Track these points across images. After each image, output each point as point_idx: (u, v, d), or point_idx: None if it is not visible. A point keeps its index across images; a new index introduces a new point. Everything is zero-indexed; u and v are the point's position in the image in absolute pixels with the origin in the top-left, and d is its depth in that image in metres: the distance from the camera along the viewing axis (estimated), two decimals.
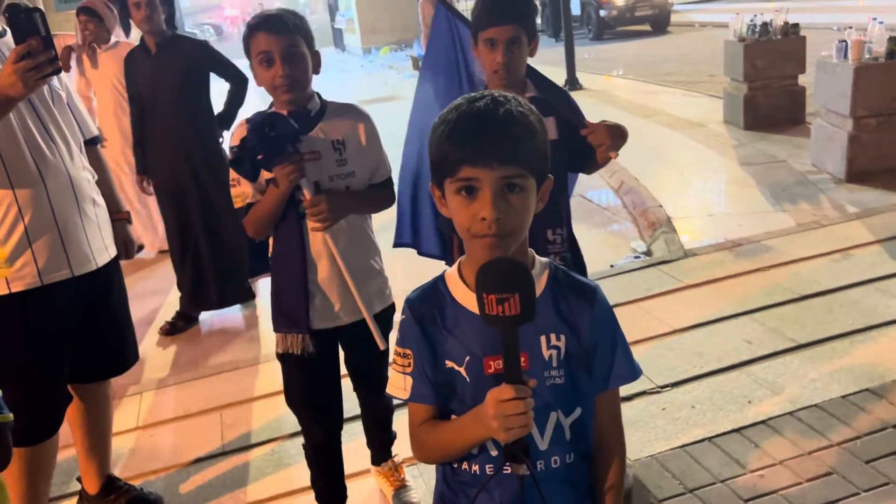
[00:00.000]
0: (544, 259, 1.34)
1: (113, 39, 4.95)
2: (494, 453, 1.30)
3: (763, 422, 2.80)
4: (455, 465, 1.35)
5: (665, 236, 4.77)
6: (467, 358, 1.28)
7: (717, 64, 8.85)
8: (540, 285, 1.29)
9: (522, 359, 1.20)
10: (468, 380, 1.28)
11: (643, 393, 3.05)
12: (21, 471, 2.35)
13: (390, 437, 2.65)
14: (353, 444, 2.64)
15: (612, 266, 4.51)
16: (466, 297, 1.28)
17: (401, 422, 2.60)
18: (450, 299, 1.31)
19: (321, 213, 2.05)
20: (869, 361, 3.11)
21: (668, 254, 4.49)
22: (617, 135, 2.14)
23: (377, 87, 14.55)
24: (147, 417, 3.33)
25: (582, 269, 2.38)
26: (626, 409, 2.97)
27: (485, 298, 1.12)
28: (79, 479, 2.71)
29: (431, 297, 1.33)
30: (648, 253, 4.68)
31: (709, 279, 4.05)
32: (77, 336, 2.38)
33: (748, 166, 6.03)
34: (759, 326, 3.49)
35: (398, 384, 1.34)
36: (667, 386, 3.11)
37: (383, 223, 2.53)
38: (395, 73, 16.32)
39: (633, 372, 1.36)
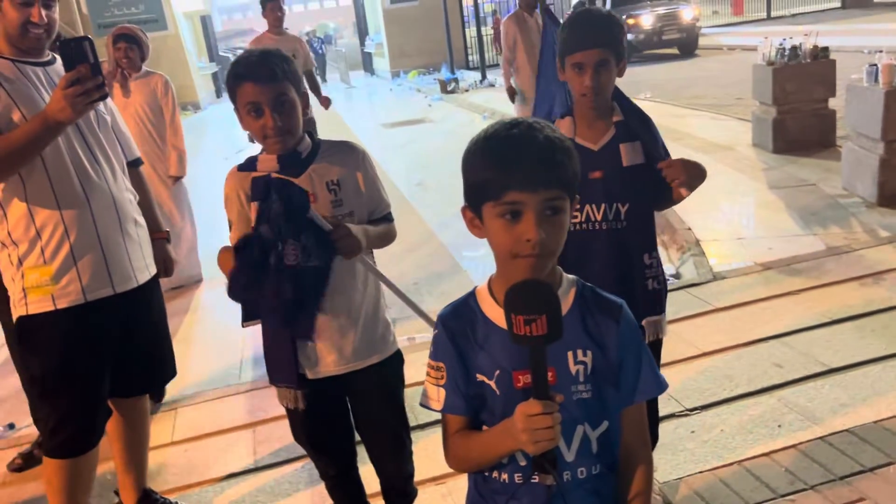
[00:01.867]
0: (571, 277, 1.39)
1: (143, 68, 4.94)
2: (523, 463, 1.34)
3: (794, 446, 2.78)
4: (486, 474, 1.40)
5: (694, 259, 4.77)
6: (497, 372, 1.33)
7: (745, 87, 8.84)
8: (567, 302, 1.34)
9: (550, 374, 1.25)
10: (498, 393, 1.33)
11: (672, 416, 3.05)
12: (61, 483, 2.42)
13: (411, 501, 2.51)
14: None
15: None
16: (496, 314, 1.33)
17: (422, 445, 2.61)
18: (480, 315, 1.36)
19: (347, 240, 1.94)
20: None
21: (697, 276, 4.49)
22: (694, 173, 2.11)
23: (406, 110, 14.71)
24: (182, 432, 3.40)
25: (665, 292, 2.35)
26: None
27: (513, 319, 1.18)
28: (116, 493, 2.77)
29: (463, 312, 1.38)
30: (677, 276, 4.68)
31: (738, 302, 4.04)
32: (118, 351, 2.46)
33: (778, 189, 6.01)
34: (790, 350, 3.48)
35: (432, 396, 1.39)
36: (696, 409, 3.10)
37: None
38: (423, 97, 16.48)
39: (659, 385, 1.41)
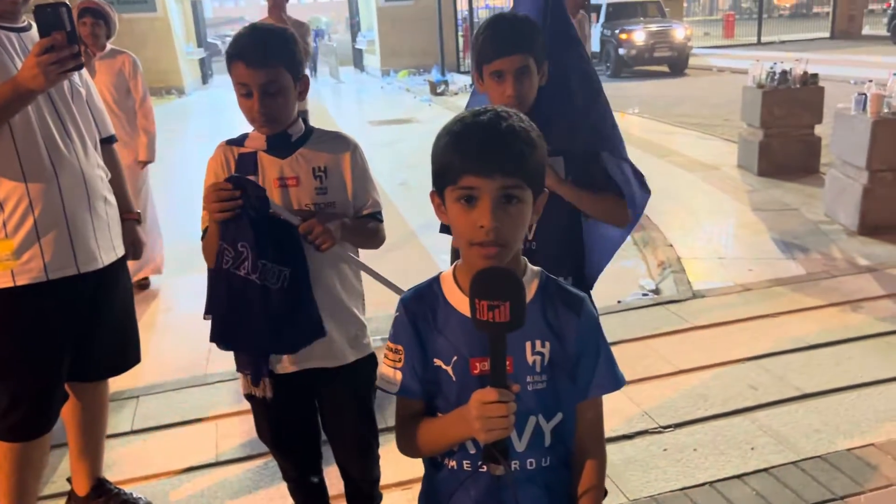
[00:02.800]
0: (536, 268, 1.39)
1: (108, 47, 4.66)
2: (473, 451, 1.34)
3: (765, 470, 2.75)
4: (437, 459, 1.41)
5: (674, 276, 4.74)
6: (455, 358, 1.33)
7: (733, 108, 8.89)
8: (530, 292, 1.34)
9: (507, 362, 1.24)
10: (454, 379, 1.33)
11: (645, 432, 3.01)
12: (11, 466, 2.32)
13: None
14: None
15: (619, 302, 4.48)
16: (459, 300, 1.33)
17: (389, 449, 2.55)
18: (443, 300, 1.36)
19: (319, 233, 1.88)
20: (876, 417, 3.06)
21: (676, 293, 4.47)
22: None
23: (394, 109, 14.64)
24: (142, 422, 3.29)
25: None
26: (627, 447, 2.93)
27: (477, 304, 1.19)
28: (69, 480, 2.67)
29: (426, 296, 1.38)
30: (657, 291, 4.65)
31: (716, 322, 4.02)
32: (79, 333, 2.36)
33: (760, 212, 6.02)
34: (765, 373, 3.45)
35: (388, 378, 1.38)
36: (669, 426, 3.06)
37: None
38: (413, 97, 16.43)
39: (616, 381, 1.40)
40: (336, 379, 2.09)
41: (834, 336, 3.77)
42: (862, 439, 2.91)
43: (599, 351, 1.38)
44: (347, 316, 2.10)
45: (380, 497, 2.43)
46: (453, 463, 1.37)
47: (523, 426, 1.32)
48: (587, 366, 1.36)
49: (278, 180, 1.96)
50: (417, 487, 2.67)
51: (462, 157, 1.24)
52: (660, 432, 3.03)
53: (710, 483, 2.70)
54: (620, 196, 2.15)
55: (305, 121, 2.05)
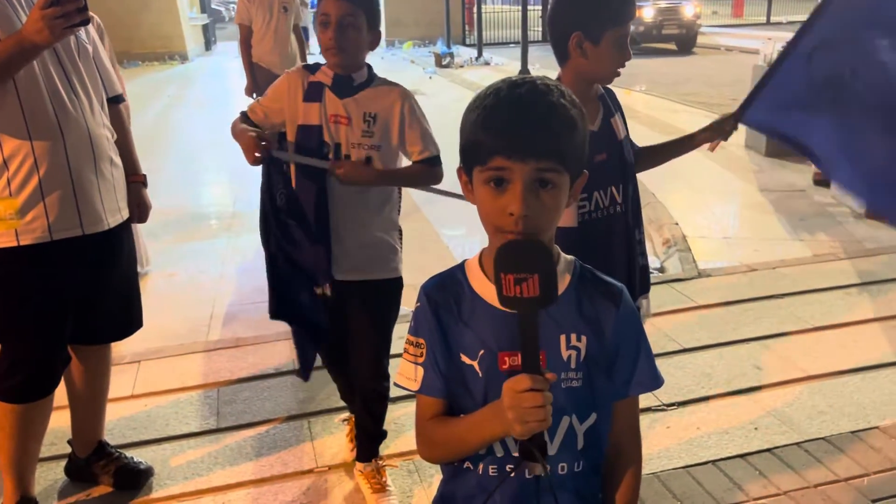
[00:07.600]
0: (569, 257, 1.27)
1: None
2: (500, 454, 1.22)
3: (769, 450, 2.75)
4: (457, 465, 1.27)
5: (680, 254, 4.71)
6: (481, 352, 1.20)
7: (740, 88, 8.77)
8: (564, 283, 1.22)
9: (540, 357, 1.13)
10: (480, 375, 1.20)
11: (648, 409, 2.99)
12: (13, 428, 2.31)
13: (379, 433, 2.57)
14: (342, 436, 2.57)
15: None
16: (486, 289, 1.21)
17: (389, 420, 2.56)
18: (468, 289, 1.23)
19: (338, 177, 2.22)
20: (881, 399, 3.05)
21: (681, 272, 4.44)
22: None
23: (399, 80, 14.48)
24: (143, 386, 3.28)
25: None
26: None
27: (503, 278, 1.06)
28: (70, 443, 2.66)
29: (449, 285, 1.25)
30: (662, 270, 4.62)
31: (721, 301, 3.99)
32: (82, 296, 2.33)
33: (767, 193, 5.98)
34: (770, 353, 3.44)
35: (408, 374, 1.25)
36: (673, 405, 3.05)
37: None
38: (417, 69, 16.27)
39: (656, 380, 1.29)
40: (369, 292, 2.38)
41: (839, 318, 3.75)
42: (866, 422, 2.90)
43: (640, 345, 1.27)
44: (381, 238, 2.38)
45: (384, 434, 2.59)
46: (480, 468, 1.24)
47: (556, 427, 1.20)
48: (626, 361, 1.25)
49: (333, 116, 2.25)
50: (418, 458, 2.69)
51: (493, 135, 1.11)
52: (663, 410, 3.02)
53: (713, 462, 2.69)
54: None
55: (371, 68, 2.33)
